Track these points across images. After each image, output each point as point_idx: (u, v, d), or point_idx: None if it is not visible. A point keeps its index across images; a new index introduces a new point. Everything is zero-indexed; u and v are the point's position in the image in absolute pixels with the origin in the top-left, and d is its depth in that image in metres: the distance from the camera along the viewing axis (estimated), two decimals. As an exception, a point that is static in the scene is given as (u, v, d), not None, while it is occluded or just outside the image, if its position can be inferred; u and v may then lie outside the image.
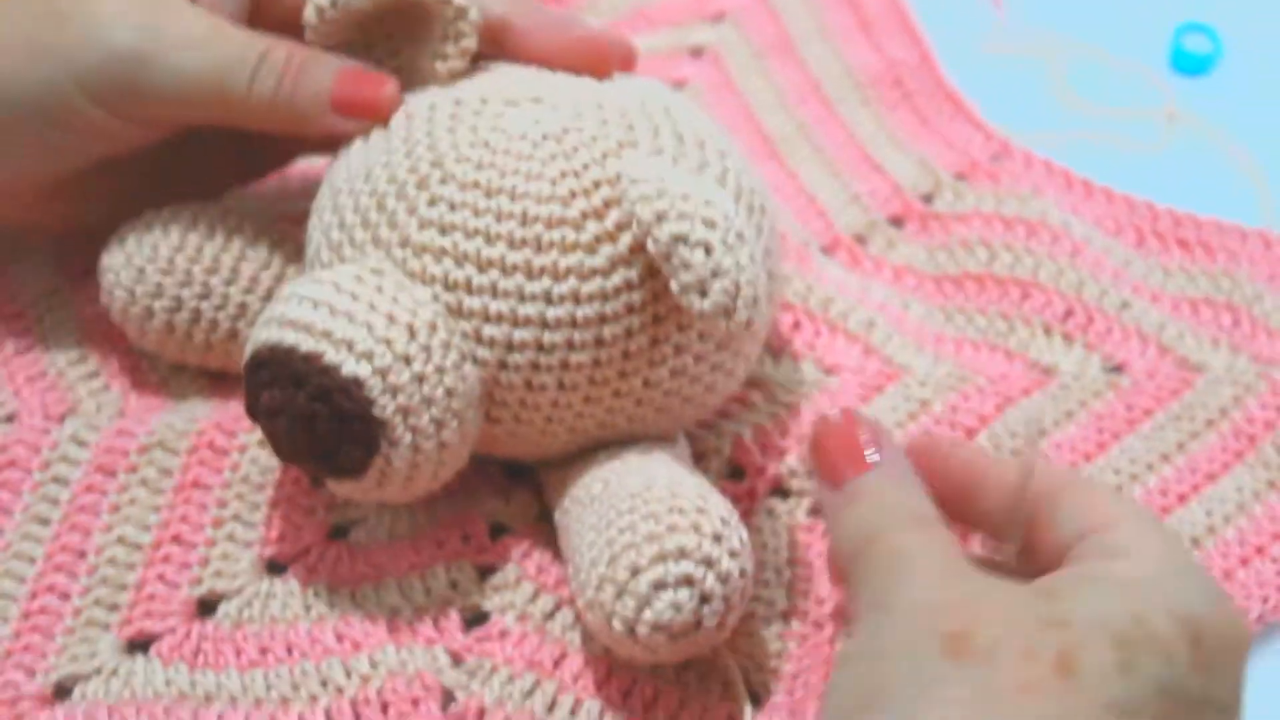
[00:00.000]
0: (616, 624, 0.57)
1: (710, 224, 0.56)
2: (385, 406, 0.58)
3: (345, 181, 0.63)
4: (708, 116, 0.67)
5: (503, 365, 0.60)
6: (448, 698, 0.61)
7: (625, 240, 0.59)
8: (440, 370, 0.58)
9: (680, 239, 0.56)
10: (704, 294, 0.56)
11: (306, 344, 0.58)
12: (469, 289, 0.59)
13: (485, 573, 0.65)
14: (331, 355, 0.57)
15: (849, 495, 0.57)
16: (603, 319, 0.59)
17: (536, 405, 0.61)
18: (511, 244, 0.59)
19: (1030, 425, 0.59)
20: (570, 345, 0.59)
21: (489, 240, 0.59)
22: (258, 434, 0.67)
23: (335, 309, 0.58)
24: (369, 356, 0.57)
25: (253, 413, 0.59)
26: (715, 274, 0.55)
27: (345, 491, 0.61)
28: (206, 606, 0.64)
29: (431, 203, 0.60)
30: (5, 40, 0.63)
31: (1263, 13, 0.91)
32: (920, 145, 0.83)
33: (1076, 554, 0.54)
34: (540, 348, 0.59)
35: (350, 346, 0.57)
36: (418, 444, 0.58)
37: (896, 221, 0.80)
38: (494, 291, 0.59)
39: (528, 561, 0.65)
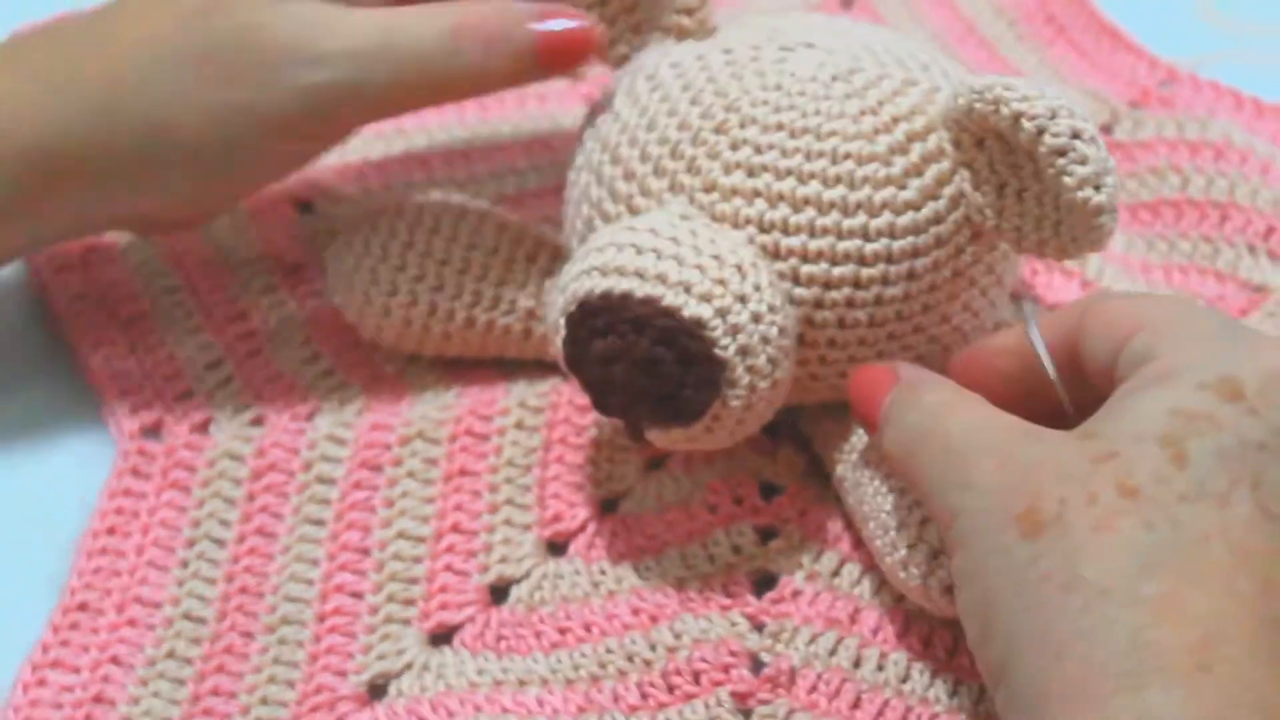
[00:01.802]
0: (934, 587, 0.58)
1: (1087, 120, 0.56)
2: (727, 347, 0.57)
3: (621, 134, 0.62)
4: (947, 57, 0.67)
5: (818, 304, 0.60)
6: (756, 662, 0.60)
7: (931, 173, 0.59)
8: (773, 309, 0.58)
9: (1077, 133, 0.55)
10: (1099, 188, 0.56)
11: (642, 289, 0.57)
12: (785, 229, 0.59)
13: (765, 534, 0.64)
14: (671, 298, 0.57)
15: (885, 417, 0.58)
16: (915, 252, 0.59)
17: (845, 344, 0.61)
18: (825, 182, 0.59)
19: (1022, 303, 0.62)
20: (885, 280, 0.59)
21: (802, 180, 0.59)
22: (513, 418, 0.67)
23: (662, 253, 0.58)
24: (708, 297, 0.57)
25: (578, 364, 0.58)
26: (1107, 168, 0.56)
27: (668, 441, 0.60)
28: (498, 593, 0.63)
29: (734, 146, 0.60)
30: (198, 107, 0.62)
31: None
32: (1086, 78, 0.84)
33: (1119, 376, 0.54)
34: (857, 284, 0.59)
35: (688, 289, 0.57)
36: (754, 384, 0.58)
37: (1079, 153, 0.80)
38: (811, 230, 0.59)
39: (806, 519, 0.65)
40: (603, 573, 0.63)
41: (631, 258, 0.58)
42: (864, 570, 0.63)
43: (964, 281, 0.61)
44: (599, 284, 0.58)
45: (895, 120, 0.60)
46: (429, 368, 0.69)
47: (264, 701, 0.60)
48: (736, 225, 0.59)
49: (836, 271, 0.59)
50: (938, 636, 0.61)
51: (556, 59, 0.64)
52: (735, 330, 0.57)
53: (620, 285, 0.57)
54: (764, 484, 0.66)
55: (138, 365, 0.69)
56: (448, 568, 0.63)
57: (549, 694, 0.60)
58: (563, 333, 0.59)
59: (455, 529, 0.64)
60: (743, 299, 0.57)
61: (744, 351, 0.57)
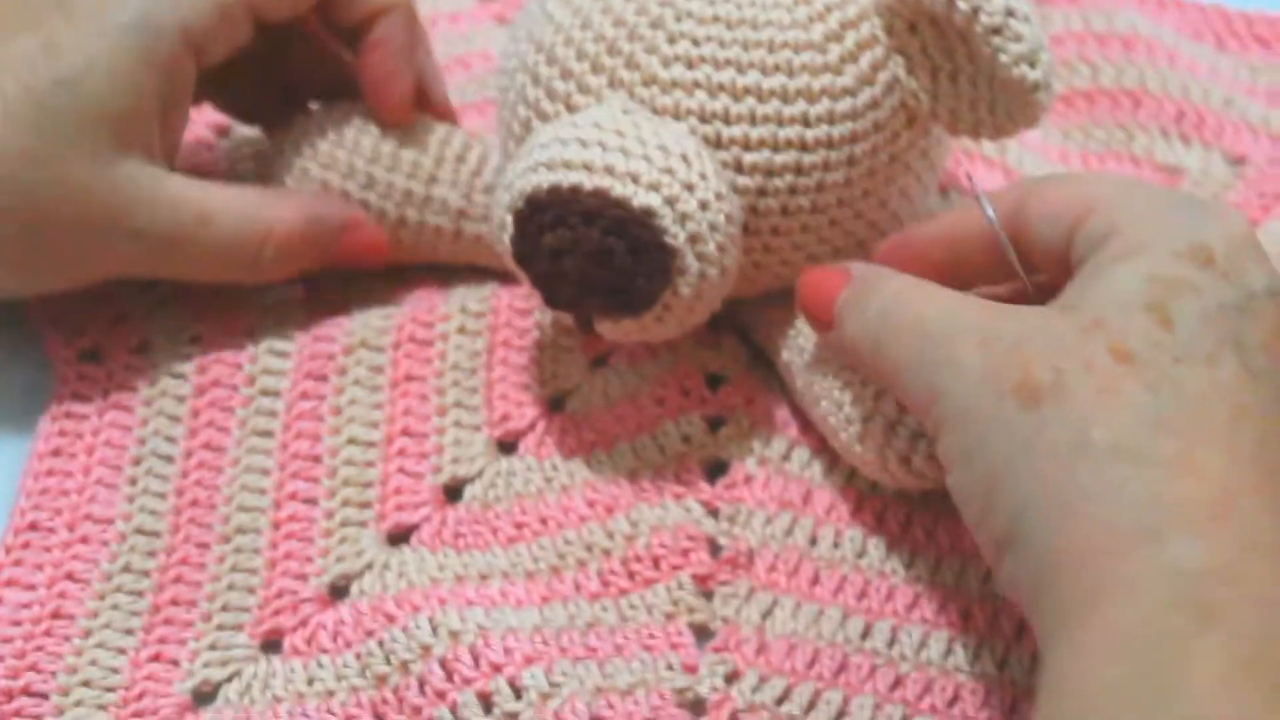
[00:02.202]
0: (891, 458, 0.59)
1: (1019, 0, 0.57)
2: (677, 235, 0.57)
3: (555, 35, 0.62)
4: None
5: (761, 192, 0.60)
6: (714, 546, 0.61)
7: (866, 59, 0.60)
8: (719, 196, 0.58)
9: (1011, 11, 0.56)
10: (1034, 64, 0.56)
11: (591, 181, 0.57)
12: (726, 119, 0.59)
13: (713, 423, 0.65)
14: (620, 188, 0.57)
15: (840, 314, 0.58)
16: (854, 137, 0.60)
17: (788, 230, 0.61)
18: (764, 70, 0.59)
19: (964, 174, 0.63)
20: (826, 166, 0.60)
21: (740, 69, 0.59)
22: (455, 323, 0.67)
23: (608, 145, 0.58)
24: (656, 186, 0.57)
25: (528, 259, 0.59)
26: (1041, 45, 0.56)
27: (618, 333, 0.60)
28: (452, 492, 0.63)
29: (671, 40, 0.60)
30: None
31: None
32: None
33: (1078, 257, 0.55)
34: (799, 170, 0.60)
35: (636, 178, 0.57)
36: (704, 271, 0.58)
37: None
38: (752, 119, 0.59)
39: (752, 406, 0.65)
40: (555, 469, 0.64)
41: (578, 151, 0.58)
42: (813, 453, 0.64)
43: (900, 166, 0.62)
44: (546, 178, 0.58)
45: (829, 8, 0.60)
46: (367, 278, 0.69)
47: (225, 608, 0.60)
48: (678, 117, 0.60)
49: (779, 159, 0.60)
50: (890, 511, 0.62)
51: (343, 263, 0.68)
52: (684, 218, 0.57)
53: (568, 179, 0.57)
54: (709, 375, 0.66)
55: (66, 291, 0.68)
56: (401, 470, 0.63)
57: (511, 585, 0.60)
58: (510, 230, 0.59)
59: (405, 432, 0.64)
60: (689, 187, 0.58)
61: (693, 239, 0.58)
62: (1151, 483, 0.48)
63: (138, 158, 0.62)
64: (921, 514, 0.62)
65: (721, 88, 0.59)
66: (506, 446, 0.65)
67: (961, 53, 0.58)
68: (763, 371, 0.66)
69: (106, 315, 0.68)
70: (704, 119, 0.59)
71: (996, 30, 0.56)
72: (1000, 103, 0.58)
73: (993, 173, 0.74)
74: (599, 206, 0.57)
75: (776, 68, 0.59)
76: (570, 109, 0.61)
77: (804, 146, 0.60)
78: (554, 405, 0.66)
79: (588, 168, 0.57)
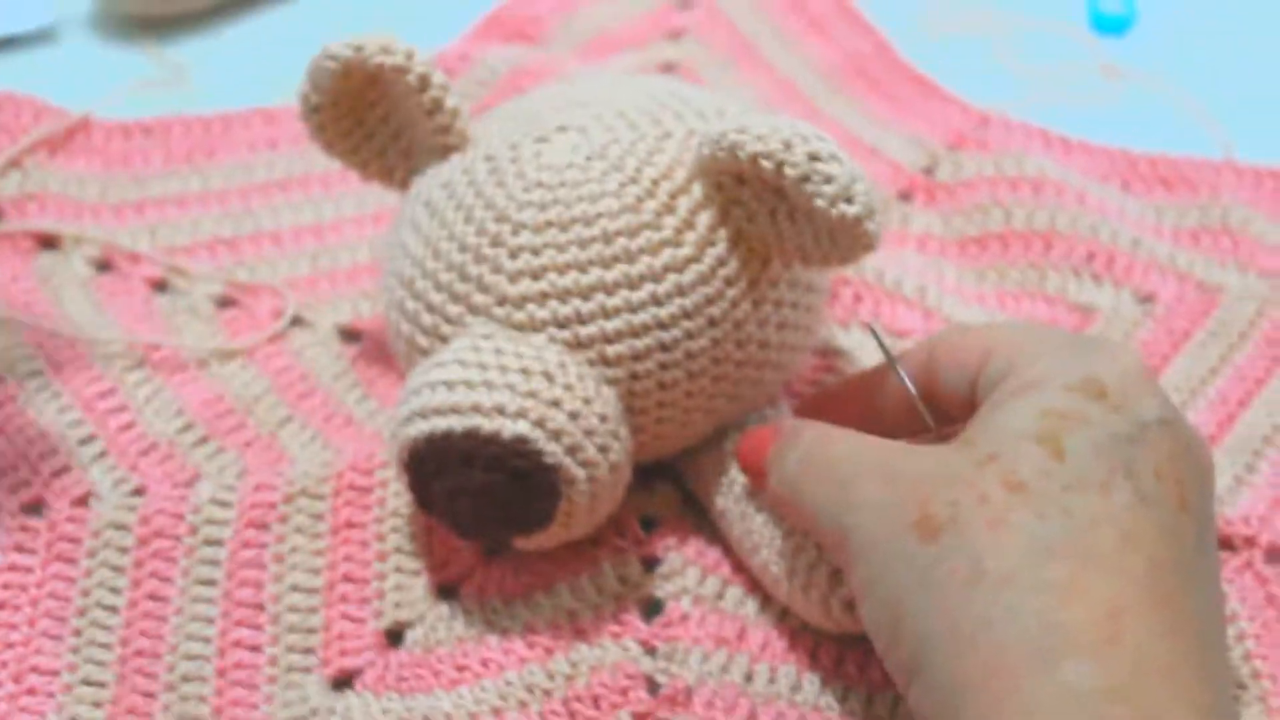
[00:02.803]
0: (835, 606, 0.60)
1: (823, 138, 0.58)
2: (555, 452, 0.59)
3: (413, 268, 0.64)
4: (709, 91, 0.70)
5: (634, 376, 0.62)
6: (652, 684, 0.62)
7: (703, 222, 0.61)
8: (587, 401, 0.60)
9: (815, 156, 0.58)
10: (850, 200, 0.57)
11: (460, 424, 0.59)
12: (580, 320, 0.61)
13: (649, 564, 0.66)
14: (488, 425, 0.59)
15: (769, 465, 0.61)
16: (709, 300, 0.61)
17: (673, 401, 0.63)
18: (604, 264, 0.61)
19: (868, 329, 0.66)
20: (689, 335, 0.61)
21: (582, 270, 0.61)
22: (393, 470, 0.68)
23: (471, 382, 0.59)
24: (523, 413, 0.59)
25: (427, 504, 0.61)
26: (854, 179, 0.58)
27: (535, 544, 0.62)
28: (394, 636, 0.64)
29: (513, 255, 0.61)
30: None
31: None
32: (903, 126, 0.88)
33: (980, 399, 0.58)
34: (664, 348, 0.61)
35: (501, 410, 0.59)
36: (592, 475, 0.60)
37: (905, 196, 0.84)
38: (604, 313, 0.61)
39: (686, 548, 0.67)
40: (495, 611, 0.64)
41: (445, 395, 0.60)
42: (746, 592, 0.65)
43: (770, 305, 0.63)
44: (421, 428, 0.60)
45: (656, 182, 0.62)
46: (302, 429, 0.70)
47: (173, 758, 0.60)
48: (536, 329, 0.61)
49: (641, 343, 0.61)
50: (824, 648, 0.63)
51: None
52: (557, 434, 0.59)
53: (439, 426, 0.59)
54: (644, 517, 0.68)
55: (10, 445, 0.69)
56: (343, 615, 0.64)
57: (452, 728, 0.61)
58: (405, 479, 0.61)
59: (347, 578, 0.65)
60: (556, 403, 0.59)
61: (572, 450, 0.59)
62: (1042, 609, 0.50)
63: None
64: (854, 650, 0.63)
65: (568, 292, 0.61)
66: (447, 591, 0.65)
67: (786, 197, 0.60)
68: (695, 514, 0.68)
69: (49, 468, 0.68)
70: (560, 325, 0.61)
71: (805, 179, 0.58)
72: (836, 236, 0.59)
73: (912, 313, 0.77)
74: (473, 448, 0.59)
75: (616, 258, 0.61)
76: (441, 340, 0.63)
77: (662, 325, 0.61)
78: (491, 551, 0.67)
79: (455, 410, 0.59)
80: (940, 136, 0.87)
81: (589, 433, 0.60)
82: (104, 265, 0.78)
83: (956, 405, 0.60)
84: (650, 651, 0.63)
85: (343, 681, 0.63)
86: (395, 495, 0.68)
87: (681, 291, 0.61)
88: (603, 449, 0.60)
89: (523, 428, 0.59)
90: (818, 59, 0.92)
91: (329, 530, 0.67)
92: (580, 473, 0.60)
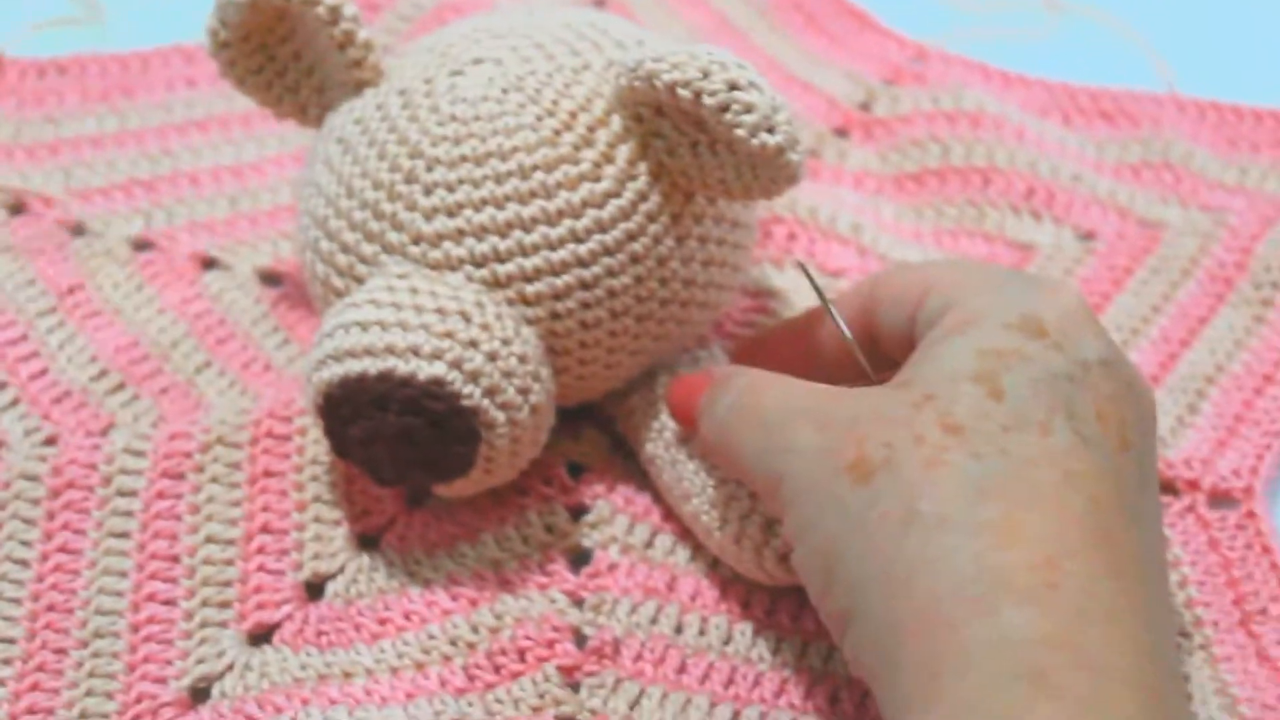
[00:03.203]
0: (769, 557, 0.59)
1: (743, 66, 0.57)
2: (472, 394, 0.57)
3: (326, 207, 0.62)
4: (632, 23, 0.68)
5: (555, 315, 0.60)
6: (579, 636, 0.61)
7: (622, 155, 0.60)
8: (506, 341, 0.58)
9: (734, 85, 0.56)
10: (772, 130, 0.56)
11: (375, 366, 0.57)
12: (498, 257, 0.59)
13: (577, 513, 0.65)
14: (403, 367, 0.57)
15: (700, 412, 0.59)
16: (630, 236, 0.60)
17: (596, 340, 0.61)
18: (521, 200, 0.59)
19: (800, 268, 0.63)
20: (611, 272, 0.60)
21: (498, 205, 0.59)
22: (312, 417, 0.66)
23: (385, 323, 0.58)
24: (438, 354, 0.57)
25: (343, 450, 0.59)
26: (775, 108, 0.56)
27: (456, 491, 0.61)
28: (314, 589, 0.63)
29: (427, 191, 0.59)
30: None
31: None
32: (839, 60, 0.86)
33: (918, 336, 0.57)
34: (585, 285, 0.60)
35: (416, 352, 0.57)
36: (512, 418, 0.58)
37: (841, 132, 0.82)
38: (523, 250, 0.59)
39: (615, 495, 0.65)
40: (417, 562, 0.63)
41: (359, 337, 0.58)
42: (676, 540, 0.64)
43: (694, 242, 0.62)
44: (335, 371, 0.58)
45: (574, 115, 0.60)
46: (220, 375, 0.69)
47: (84, 715, 0.59)
48: (452, 268, 0.60)
49: (560, 281, 0.60)
50: (755, 597, 0.62)
51: None
52: (475, 376, 0.58)
53: (354, 368, 0.58)
54: (571, 464, 0.66)
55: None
56: (261, 568, 0.63)
57: (375, 683, 0.59)
58: (320, 424, 0.59)
59: (265, 529, 0.64)
60: (474, 343, 0.58)
61: (490, 392, 0.58)
62: (979, 551, 0.49)
63: None
64: (786, 599, 0.62)
65: (484, 229, 0.59)
66: (368, 541, 0.64)
67: (706, 127, 0.58)
68: (624, 458, 0.66)
69: (-42, 416, 0.66)
70: (476, 263, 0.59)
71: (724, 108, 0.56)
72: (758, 168, 0.58)
73: (847, 250, 0.75)
74: (388, 390, 0.57)
75: (533, 194, 0.59)
76: (358, 281, 0.61)
77: (582, 262, 0.59)
78: (414, 500, 0.65)
79: (370, 352, 0.57)
80: (877, 71, 0.85)
81: (508, 374, 0.58)
82: (17, 208, 0.75)
83: (897, 345, 0.58)
84: (577, 603, 0.62)
85: (260, 636, 0.61)
86: (315, 443, 0.66)
87: (601, 227, 0.59)
88: (523, 391, 0.59)
89: (439, 369, 0.57)
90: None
91: (246, 480, 0.65)
92: (500, 415, 0.58)
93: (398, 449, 0.58)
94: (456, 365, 0.57)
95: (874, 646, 0.50)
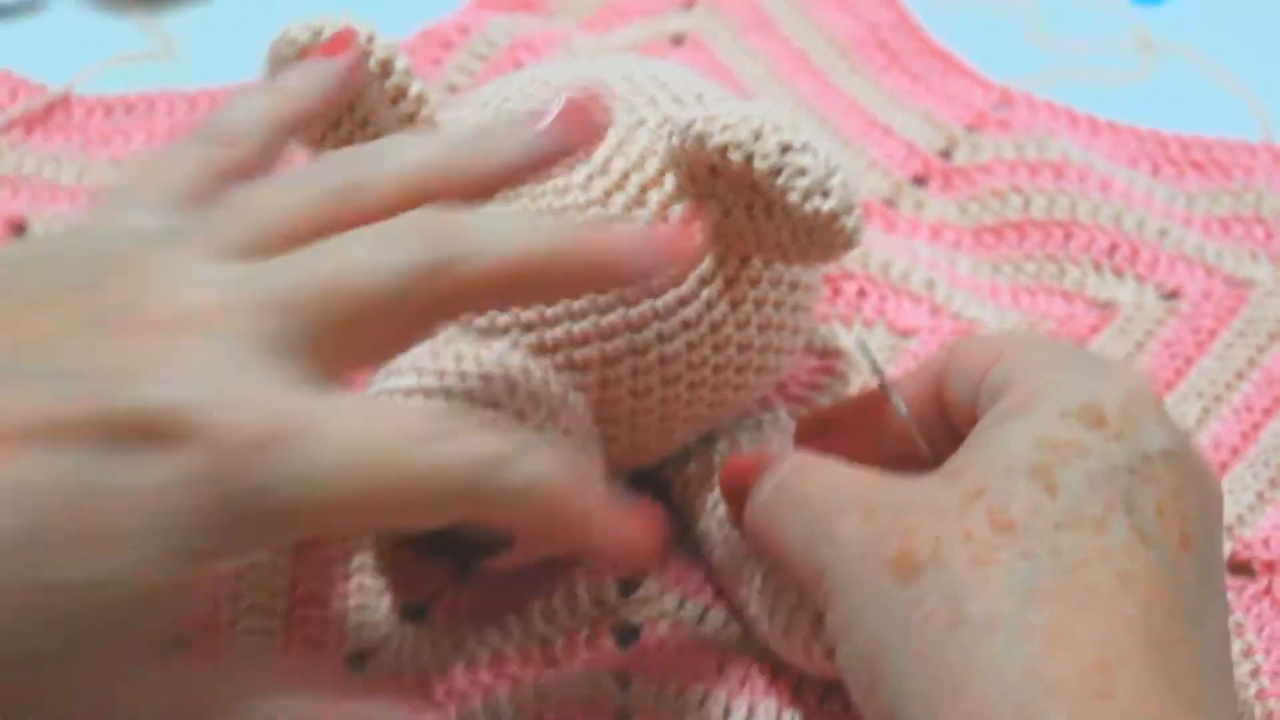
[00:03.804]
0: (817, 653, 0.57)
1: (797, 128, 0.55)
2: None
3: None
4: (694, 73, 0.66)
5: (604, 383, 0.59)
6: (623, 717, 0.59)
7: (675, 216, 0.58)
8: (553, 412, 0.57)
9: (786, 147, 0.54)
10: (826, 194, 0.54)
11: None
12: (546, 323, 0.58)
13: (626, 588, 0.63)
14: None
15: (750, 495, 0.57)
16: (682, 301, 0.58)
17: (648, 409, 0.60)
18: None
19: (859, 346, 0.62)
20: (661, 338, 0.58)
21: None
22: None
23: (429, 390, 0.57)
24: (483, 425, 0.55)
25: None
26: (830, 172, 0.54)
27: (503, 564, 0.58)
28: (356, 661, 0.61)
29: None
30: None
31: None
32: (921, 103, 0.84)
33: (979, 411, 0.54)
34: (635, 351, 0.58)
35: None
36: None
37: (920, 181, 0.80)
38: (571, 315, 0.58)
39: (665, 571, 0.63)
40: (463, 637, 0.62)
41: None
42: (729, 616, 0.62)
43: (750, 306, 0.60)
44: None
45: (626, 175, 0.58)
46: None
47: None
48: (499, 333, 0.58)
49: (610, 347, 0.58)
50: (807, 686, 0.60)
51: None
52: None
53: None
54: None
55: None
56: (304, 639, 0.62)
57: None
58: None
59: (309, 599, 0.62)
60: (521, 415, 0.57)
61: None
62: (1026, 657, 0.46)
63: None
64: (839, 689, 0.59)
65: None
66: (414, 611, 0.63)
67: (759, 191, 0.57)
68: (679, 531, 0.64)
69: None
70: (525, 328, 0.58)
71: (776, 171, 0.54)
72: (813, 232, 0.56)
73: (919, 309, 0.73)
74: None
75: None
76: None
77: (633, 328, 0.58)
78: (462, 570, 0.64)
79: None
80: (960, 115, 0.83)
81: (554, 446, 0.57)
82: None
83: (965, 419, 0.56)
84: (624, 684, 0.60)
85: None
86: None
87: (653, 291, 0.58)
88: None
89: None
90: (835, 30, 0.88)
91: (291, 548, 0.64)
92: None
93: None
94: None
95: None
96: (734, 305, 0.59)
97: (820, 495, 0.54)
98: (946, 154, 0.81)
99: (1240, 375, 0.71)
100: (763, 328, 0.61)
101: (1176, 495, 0.50)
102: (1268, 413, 0.70)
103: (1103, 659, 0.46)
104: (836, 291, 0.74)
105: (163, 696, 0.48)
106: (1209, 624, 0.50)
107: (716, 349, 0.60)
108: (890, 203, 0.79)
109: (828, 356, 0.71)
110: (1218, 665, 0.50)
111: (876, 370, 0.59)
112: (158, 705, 0.48)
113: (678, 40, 0.87)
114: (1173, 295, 0.74)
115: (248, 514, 0.45)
